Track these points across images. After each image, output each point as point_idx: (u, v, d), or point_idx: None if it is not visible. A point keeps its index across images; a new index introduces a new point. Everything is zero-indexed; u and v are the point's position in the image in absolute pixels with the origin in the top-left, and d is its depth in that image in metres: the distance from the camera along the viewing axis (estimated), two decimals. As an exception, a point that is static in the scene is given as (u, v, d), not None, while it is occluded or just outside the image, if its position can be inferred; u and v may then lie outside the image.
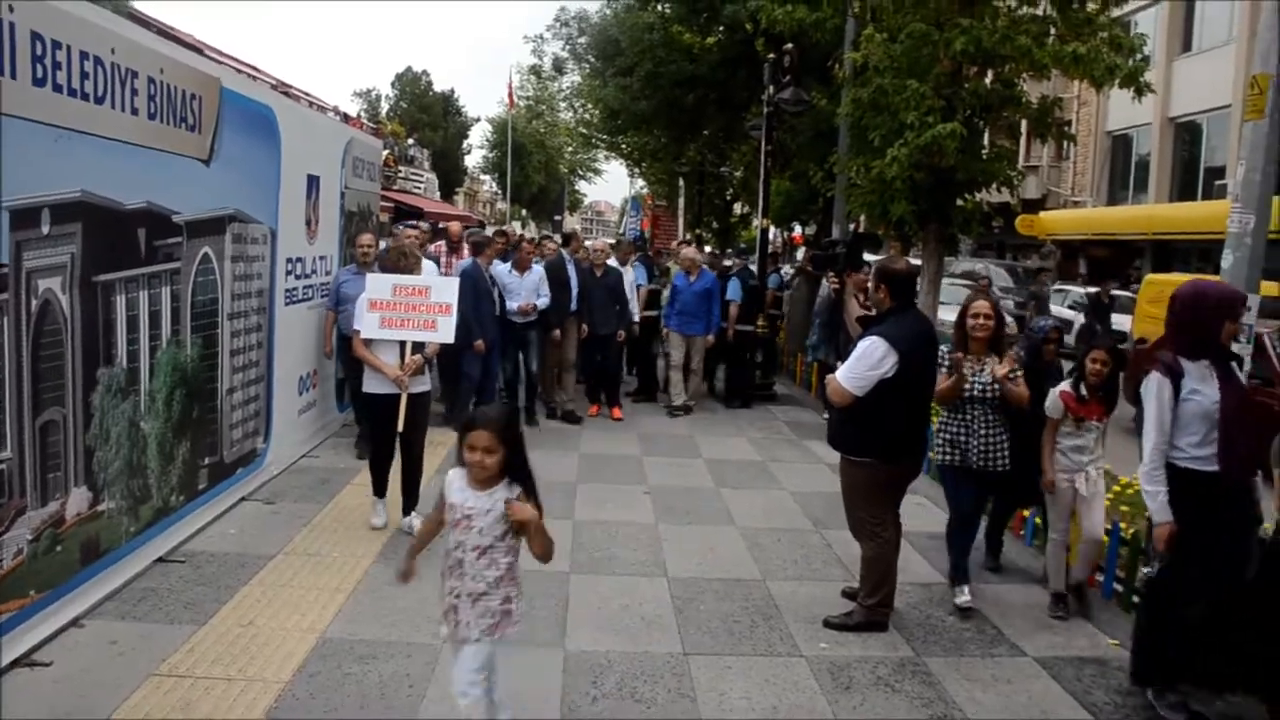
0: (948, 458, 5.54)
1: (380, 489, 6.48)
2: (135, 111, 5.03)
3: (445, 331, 6.27)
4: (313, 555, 5.84)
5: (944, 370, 5.41)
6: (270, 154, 6.99)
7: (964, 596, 5.54)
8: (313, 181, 8.01)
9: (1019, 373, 5.40)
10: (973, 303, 5.57)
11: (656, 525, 6.83)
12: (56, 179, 4.40)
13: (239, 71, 6.41)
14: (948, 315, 15.41)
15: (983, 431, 5.43)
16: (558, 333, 10.12)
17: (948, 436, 5.54)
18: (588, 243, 11.40)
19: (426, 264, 8.35)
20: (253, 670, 4.32)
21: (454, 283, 6.60)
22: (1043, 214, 29.45)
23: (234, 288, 6.47)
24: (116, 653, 4.40)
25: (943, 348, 5.44)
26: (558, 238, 13.05)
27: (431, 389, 6.77)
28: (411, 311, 6.19)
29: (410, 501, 6.39)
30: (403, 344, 6.19)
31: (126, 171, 5.00)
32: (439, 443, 8.81)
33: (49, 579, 4.46)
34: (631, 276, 11.39)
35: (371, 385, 6.26)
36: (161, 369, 5.51)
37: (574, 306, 10.30)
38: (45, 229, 4.35)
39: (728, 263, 14.17)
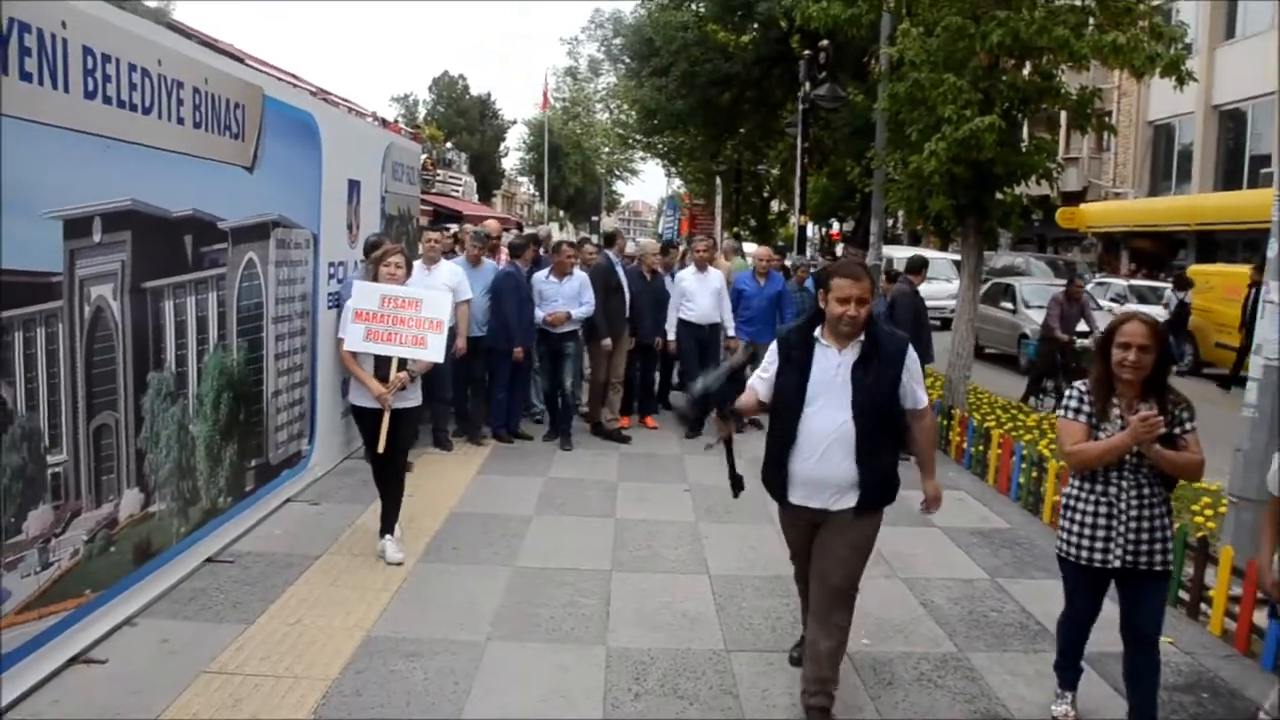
0: (1078, 550, 3.93)
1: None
2: (181, 121, 5.13)
3: (435, 350, 5.86)
4: (357, 555, 5.92)
5: (1078, 417, 3.88)
6: (312, 160, 7.09)
7: (1063, 707, 4.25)
8: (354, 186, 8.11)
9: (1191, 426, 3.79)
10: (1124, 323, 3.77)
11: (697, 523, 6.86)
12: (107, 188, 4.50)
13: (280, 80, 6.51)
14: (1037, 315, 15.15)
15: (1134, 513, 3.80)
16: (608, 342, 9.25)
17: (1082, 518, 3.92)
18: (639, 241, 10.40)
19: (451, 266, 8.26)
20: (300, 668, 4.40)
21: (447, 297, 6.31)
22: (1083, 206, 29.14)
23: (278, 292, 6.57)
24: (168, 651, 4.51)
25: (1079, 384, 3.97)
26: (595, 239, 12.59)
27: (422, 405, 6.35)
28: (399, 325, 5.78)
29: (388, 525, 5.94)
30: (383, 358, 5.78)
31: (173, 180, 5.10)
32: (472, 454, 8.90)
33: (103, 579, 4.57)
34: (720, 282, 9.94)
35: (358, 397, 5.91)
36: (209, 373, 5.62)
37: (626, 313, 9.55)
38: (97, 238, 4.45)
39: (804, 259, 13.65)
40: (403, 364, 5.80)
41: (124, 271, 4.71)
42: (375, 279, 6.02)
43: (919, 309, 9.50)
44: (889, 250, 21.54)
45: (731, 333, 9.79)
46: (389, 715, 4.04)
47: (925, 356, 9.02)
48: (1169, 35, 9.31)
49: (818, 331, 4.01)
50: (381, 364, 5.78)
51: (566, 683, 4.40)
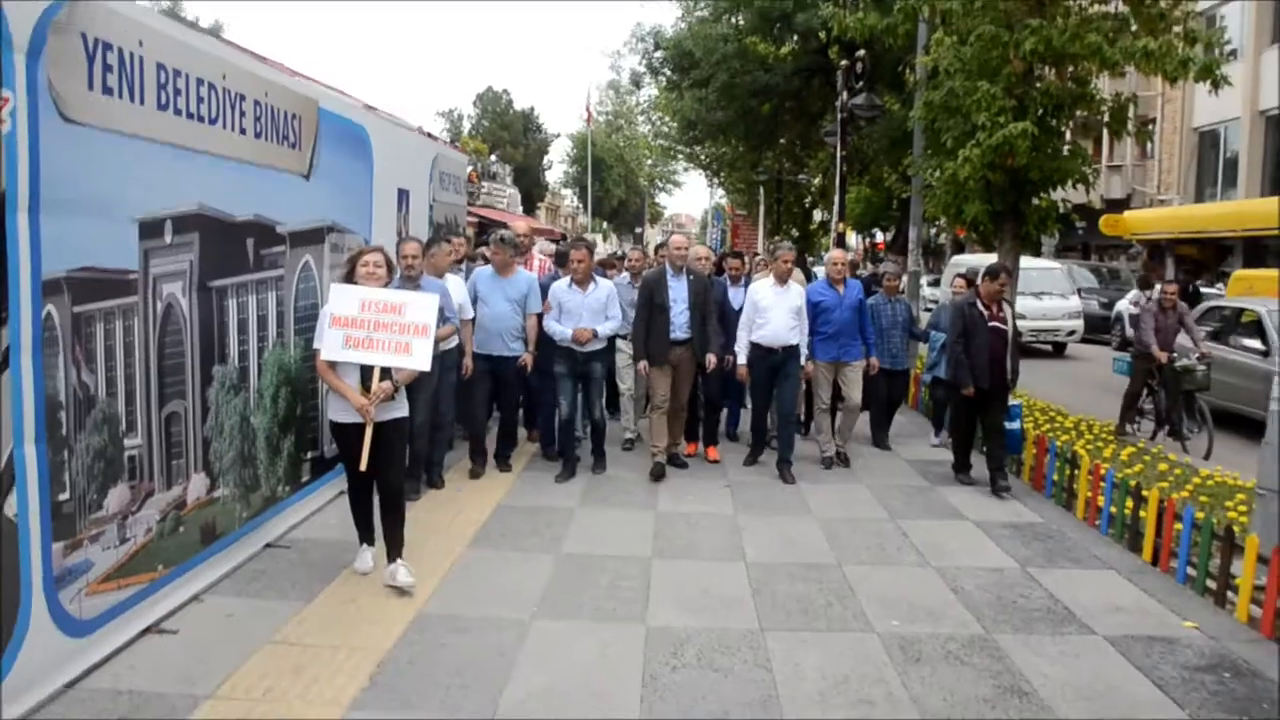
0: None
1: (366, 534, 5.75)
2: (244, 131, 5.47)
3: (421, 357, 5.36)
4: (408, 543, 6.16)
5: None
6: (363, 169, 7.41)
7: None
8: (403, 195, 8.43)
9: None
10: None
11: (735, 516, 7.05)
12: (177, 194, 4.84)
13: (332, 94, 6.84)
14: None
15: None
16: (644, 365, 8.05)
17: None
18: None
19: (459, 281, 7.76)
20: (357, 640, 4.68)
21: (434, 299, 5.56)
22: (1126, 213, 28.90)
23: (332, 294, 6.87)
24: (234, 623, 4.81)
25: None
26: (628, 248, 11.37)
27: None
28: (381, 330, 5.30)
29: (394, 548, 5.54)
30: (367, 367, 5.34)
31: (237, 186, 5.43)
32: (500, 481, 9.11)
33: (173, 556, 4.89)
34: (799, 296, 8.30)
35: (337, 413, 5.43)
36: (268, 368, 5.94)
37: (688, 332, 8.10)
38: (168, 239, 4.78)
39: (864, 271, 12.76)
40: (385, 373, 5.37)
41: (192, 271, 5.03)
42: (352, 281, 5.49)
43: (972, 323, 8.01)
44: (965, 259, 20.66)
45: (804, 358, 8.39)
46: (440, 682, 4.29)
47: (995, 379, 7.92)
48: (1204, 40, 9.41)
49: None
50: (367, 375, 5.35)
51: (607, 656, 4.63)
